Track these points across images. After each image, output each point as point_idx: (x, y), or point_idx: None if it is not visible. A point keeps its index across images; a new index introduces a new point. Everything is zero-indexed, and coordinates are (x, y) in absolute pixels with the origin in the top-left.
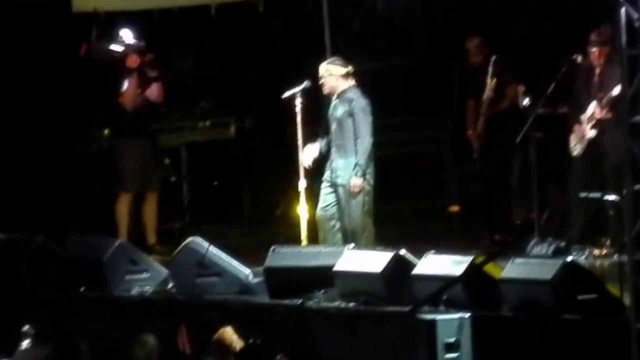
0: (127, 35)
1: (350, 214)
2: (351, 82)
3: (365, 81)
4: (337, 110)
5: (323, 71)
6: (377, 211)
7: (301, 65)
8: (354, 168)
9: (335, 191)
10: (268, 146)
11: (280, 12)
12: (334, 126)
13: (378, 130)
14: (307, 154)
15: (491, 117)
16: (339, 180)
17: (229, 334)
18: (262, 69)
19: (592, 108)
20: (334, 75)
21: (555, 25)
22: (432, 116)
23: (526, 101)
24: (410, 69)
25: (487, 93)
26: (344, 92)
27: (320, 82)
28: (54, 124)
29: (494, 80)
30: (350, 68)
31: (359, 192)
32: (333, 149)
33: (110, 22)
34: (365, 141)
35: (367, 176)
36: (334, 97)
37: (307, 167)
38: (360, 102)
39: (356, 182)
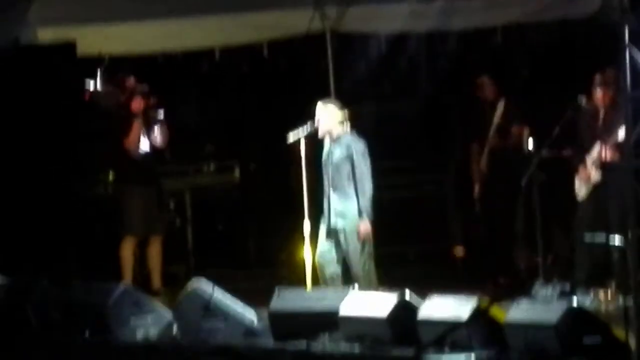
0: (131, 79)
1: (350, 258)
2: (346, 126)
3: (369, 123)
4: (333, 154)
5: (321, 112)
6: (380, 254)
7: (305, 107)
8: (360, 213)
9: (335, 235)
10: (272, 189)
11: (284, 54)
12: (329, 170)
13: (381, 172)
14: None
15: (495, 157)
16: (339, 225)
17: None
18: (266, 112)
19: (597, 151)
20: (331, 117)
21: (559, 67)
22: (436, 158)
23: (531, 144)
24: (413, 111)
25: (494, 129)
26: (339, 136)
27: (320, 121)
28: (58, 168)
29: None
30: (345, 112)
31: (367, 235)
32: (331, 193)
33: (114, 66)
34: (367, 184)
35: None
36: (329, 141)
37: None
38: (359, 146)
39: (364, 226)
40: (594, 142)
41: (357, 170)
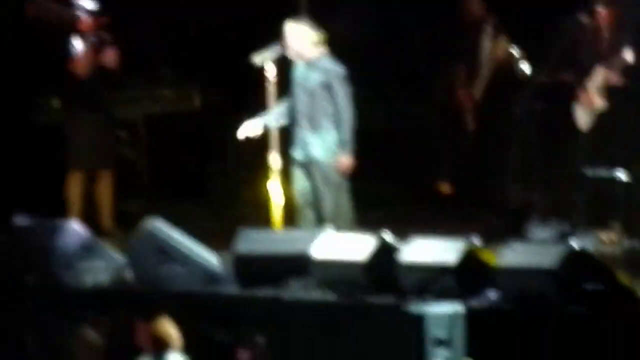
0: None
1: (323, 196)
2: (323, 49)
3: (346, 47)
4: (308, 79)
5: (289, 32)
6: (358, 191)
7: (273, 27)
8: (341, 145)
9: (309, 170)
10: (237, 119)
11: None
12: (302, 97)
13: (359, 102)
14: (246, 130)
15: (487, 84)
16: (314, 158)
17: (164, 325)
18: (230, 30)
19: (601, 74)
20: (302, 37)
21: None
22: (419, 86)
23: (525, 68)
24: (395, 34)
25: (491, 55)
26: (315, 59)
27: (291, 42)
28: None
29: (499, 40)
30: (321, 35)
31: (347, 170)
32: (302, 123)
33: None
34: (348, 114)
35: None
36: (301, 64)
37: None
38: (338, 71)
39: (346, 160)
40: (596, 64)
41: (338, 98)
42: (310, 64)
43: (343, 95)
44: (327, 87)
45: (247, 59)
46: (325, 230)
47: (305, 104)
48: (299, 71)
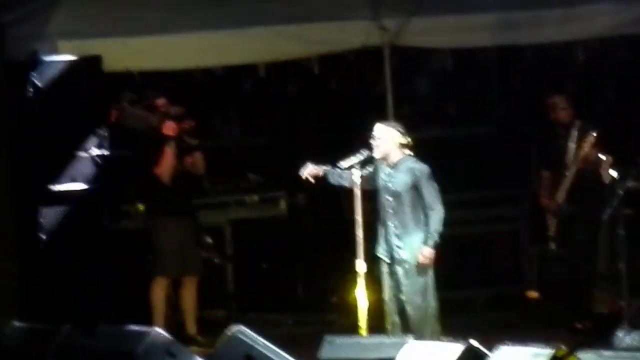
0: (162, 99)
1: (410, 299)
2: (407, 152)
3: (432, 151)
4: (394, 181)
5: (380, 133)
6: (445, 298)
7: (360, 131)
8: (426, 238)
9: (395, 272)
10: (323, 224)
11: (337, 71)
12: (388, 199)
13: (445, 206)
14: (308, 170)
15: (574, 188)
16: (401, 257)
17: None
18: (317, 136)
19: None
20: (390, 139)
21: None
22: (508, 190)
23: (614, 174)
24: (482, 137)
25: (577, 159)
26: (400, 161)
27: (374, 144)
28: (83, 199)
29: (586, 144)
30: (409, 139)
31: (429, 264)
32: (388, 225)
33: (145, 84)
34: (438, 209)
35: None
36: (386, 166)
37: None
38: (424, 170)
39: (427, 252)
40: None
41: (425, 194)
42: (395, 166)
43: (430, 191)
44: (413, 187)
45: (335, 163)
46: (411, 337)
47: (391, 206)
48: (384, 173)
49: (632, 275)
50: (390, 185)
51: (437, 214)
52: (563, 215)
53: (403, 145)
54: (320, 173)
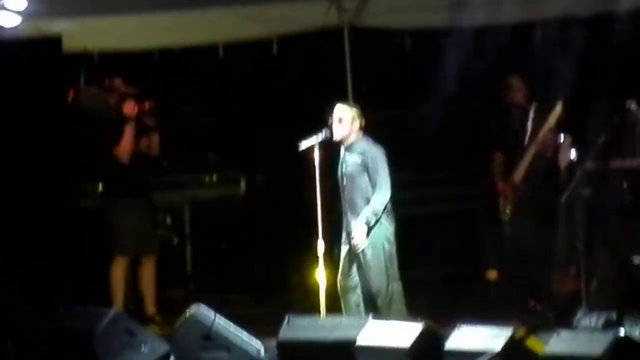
0: (118, 80)
1: (372, 279)
2: (363, 133)
3: (389, 130)
4: (346, 164)
5: (339, 114)
6: (404, 277)
7: (320, 111)
8: (361, 217)
9: (355, 255)
10: (282, 204)
11: (296, 52)
12: (345, 183)
13: (402, 186)
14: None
15: (531, 169)
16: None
17: None
18: (275, 116)
19: None
20: (350, 121)
21: (604, 69)
22: (465, 170)
23: (572, 155)
24: (440, 117)
25: (534, 141)
26: (353, 143)
27: (337, 126)
28: (39, 177)
29: (545, 127)
30: (363, 117)
31: (359, 243)
32: (345, 208)
33: (103, 64)
34: (383, 192)
35: (388, 233)
36: (343, 149)
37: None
38: (374, 151)
39: (358, 230)
40: None
41: (374, 175)
42: (350, 148)
43: (379, 173)
44: (365, 169)
45: (294, 144)
46: (370, 317)
47: (347, 191)
48: (341, 158)
49: (590, 256)
50: (343, 168)
51: (381, 196)
52: (520, 197)
53: (361, 127)
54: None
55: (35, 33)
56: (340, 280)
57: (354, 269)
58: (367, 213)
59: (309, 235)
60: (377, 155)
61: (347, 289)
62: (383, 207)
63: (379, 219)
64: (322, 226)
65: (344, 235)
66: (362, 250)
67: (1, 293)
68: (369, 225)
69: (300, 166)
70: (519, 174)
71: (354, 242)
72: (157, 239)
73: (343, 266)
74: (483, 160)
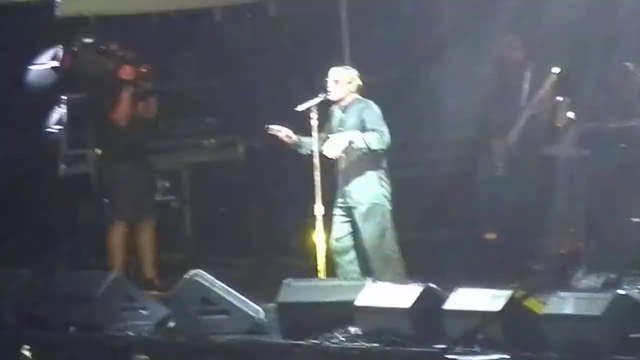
0: (115, 45)
1: (367, 240)
2: (359, 95)
3: (387, 93)
4: (344, 123)
5: (336, 76)
6: (402, 240)
7: (317, 74)
8: (350, 132)
9: (350, 216)
10: (281, 167)
11: (294, 16)
12: None
13: (400, 149)
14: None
15: (529, 129)
16: (352, 202)
17: None
18: (273, 80)
19: None
20: (347, 84)
21: (601, 30)
22: (463, 132)
23: (571, 115)
24: (437, 80)
25: (531, 102)
26: (351, 104)
27: (333, 87)
28: (36, 142)
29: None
30: (360, 80)
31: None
32: (341, 170)
33: (101, 28)
34: (380, 135)
35: (386, 192)
36: (338, 109)
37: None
38: (371, 108)
39: (337, 138)
40: None
41: (371, 122)
42: (346, 110)
43: (374, 119)
44: (362, 128)
45: (292, 107)
46: (370, 280)
47: (344, 152)
48: (336, 119)
49: (590, 216)
50: (342, 129)
51: (377, 135)
52: (513, 156)
53: (357, 89)
54: (293, 138)
55: None
56: (333, 243)
57: (348, 231)
58: (358, 134)
59: (307, 199)
60: (375, 111)
61: (340, 251)
62: (375, 144)
63: (377, 174)
64: (320, 190)
65: (339, 197)
66: (356, 209)
67: (2, 258)
68: (351, 144)
69: (298, 129)
70: (514, 133)
71: (325, 145)
72: (156, 203)
73: (336, 229)
74: (479, 122)
